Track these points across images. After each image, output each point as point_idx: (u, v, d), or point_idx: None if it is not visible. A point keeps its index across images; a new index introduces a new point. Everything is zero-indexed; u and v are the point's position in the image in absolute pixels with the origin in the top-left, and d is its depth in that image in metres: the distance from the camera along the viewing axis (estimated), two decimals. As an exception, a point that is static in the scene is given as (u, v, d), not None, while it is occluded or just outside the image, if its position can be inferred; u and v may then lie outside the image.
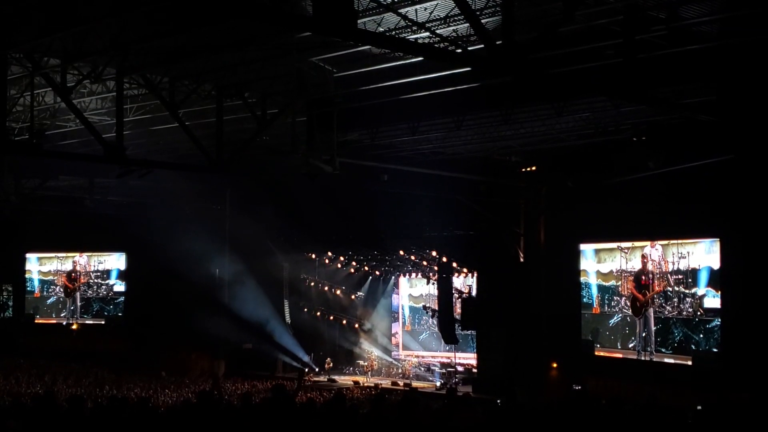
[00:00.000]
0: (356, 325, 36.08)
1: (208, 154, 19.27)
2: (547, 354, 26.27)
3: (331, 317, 35.96)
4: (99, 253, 38.83)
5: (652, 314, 23.93)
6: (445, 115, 20.57)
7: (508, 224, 27.70)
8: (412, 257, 32.98)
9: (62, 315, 39.31)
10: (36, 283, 40.10)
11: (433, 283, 31.79)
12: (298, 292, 35.69)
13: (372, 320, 36.23)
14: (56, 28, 14.75)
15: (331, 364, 33.73)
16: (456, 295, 29.89)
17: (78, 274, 39.12)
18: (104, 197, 31.33)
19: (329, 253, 34.80)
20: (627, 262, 24.68)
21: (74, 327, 38.62)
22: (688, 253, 23.03)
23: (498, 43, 10.84)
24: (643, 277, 24.08)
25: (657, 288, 23.73)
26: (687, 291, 23.05)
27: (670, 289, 23.42)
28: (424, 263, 32.98)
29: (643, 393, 19.44)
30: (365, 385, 30.62)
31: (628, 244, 24.64)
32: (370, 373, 33.30)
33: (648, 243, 24.06)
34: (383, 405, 11.15)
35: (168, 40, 15.41)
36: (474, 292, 29.84)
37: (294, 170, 20.92)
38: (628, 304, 24.56)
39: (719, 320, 22.32)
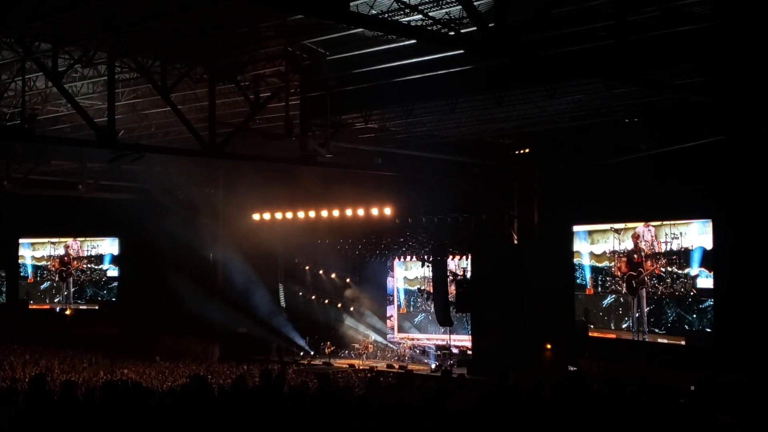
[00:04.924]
0: (351, 309, 36.09)
1: (200, 137, 19.20)
2: (541, 335, 26.36)
3: (326, 301, 35.96)
4: (92, 238, 38.79)
5: (645, 295, 24.03)
6: (439, 98, 20.54)
7: (502, 206, 27.74)
8: (407, 240, 32.94)
9: (56, 300, 39.29)
10: (29, 269, 40.03)
11: (428, 266, 31.78)
12: (293, 276, 35.67)
13: (366, 303, 36.22)
14: (47, 11, 14.67)
15: (332, 348, 33.70)
16: (450, 278, 29.93)
17: (71, 258, 39.07)
18: (97, 182, 31.26)
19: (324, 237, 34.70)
20: (620, 243, 24.76)
21: (68, 312, 38.61)
22: (681, 233, 23.11)
23: (491, 25, 10.80)
24: (635, 256, 24.17)
25: (649, 266, 23.82)
26: (680, 271, 23.15)
27: (663, 269, 23.51)
28: (419, 246, 32.94)
29: (637, 373, 19.55)
30: (360, 368, 30.67)
31: (621, 226, 24.70)
32: (365, 355, 33.32)
33: (641, 224, 24.13)
34: (378, 387, 11.18)
35: (159, 22, 15.32)
36: (468, 275, 29.88)
37: (288, 154, 20.93)
38: (623, 284, 24.65)
39: (712, 300, 22.45)
